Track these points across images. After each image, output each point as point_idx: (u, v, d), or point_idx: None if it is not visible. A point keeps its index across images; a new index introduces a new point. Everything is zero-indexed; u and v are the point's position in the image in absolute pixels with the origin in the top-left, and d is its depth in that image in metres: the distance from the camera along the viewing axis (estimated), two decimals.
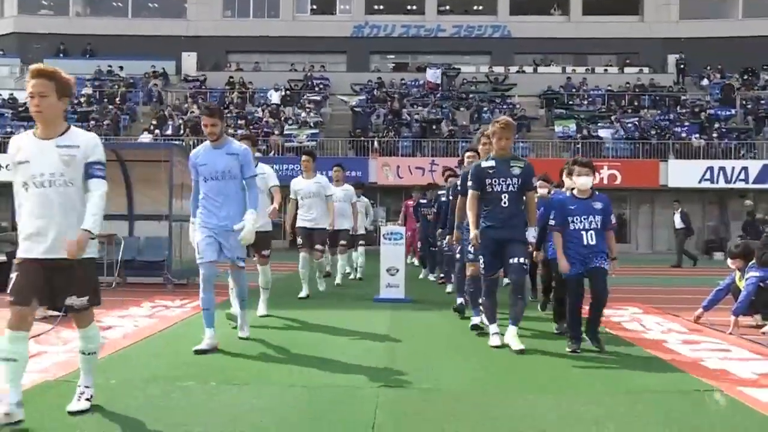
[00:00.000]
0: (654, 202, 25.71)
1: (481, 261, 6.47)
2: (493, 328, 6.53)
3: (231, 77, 32.10)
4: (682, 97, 30.42)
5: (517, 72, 33.10)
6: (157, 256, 11.17)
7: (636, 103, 30.26)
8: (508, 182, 6.29)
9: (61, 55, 34.21)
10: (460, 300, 8.32)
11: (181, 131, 26.68)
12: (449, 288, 10.40)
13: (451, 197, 8.68)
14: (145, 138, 25.63)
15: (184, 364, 5.60)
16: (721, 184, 24.68)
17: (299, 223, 9.77)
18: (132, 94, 31.02)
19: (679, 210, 19.21)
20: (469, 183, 6.54)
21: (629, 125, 27.74)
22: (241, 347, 6.23)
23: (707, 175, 24.76)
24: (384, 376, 5.24)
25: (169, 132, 26.94)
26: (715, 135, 26.56)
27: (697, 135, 26.55)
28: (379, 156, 25.51)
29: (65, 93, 4.04)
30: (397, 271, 9.76)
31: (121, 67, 32.82)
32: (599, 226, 6.25)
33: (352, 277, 12.98)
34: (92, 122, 27.48)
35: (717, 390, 4.95)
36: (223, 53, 34.67)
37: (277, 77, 32.20)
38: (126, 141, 24.59)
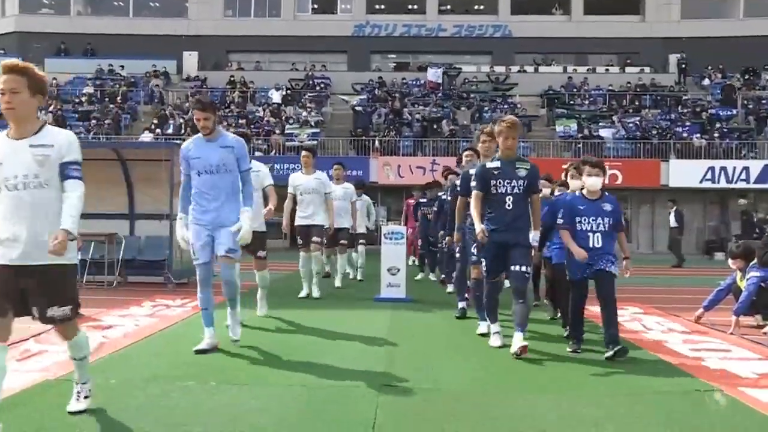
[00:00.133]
0: (655, 202, 25.67)
1: (483, 265, 6.37)
2: (494, 327, 6.47)
3: (232, 76, 32.11)
4: (684, 97, 30.40)
5: (518, 71, 33.08)
6: (157, 255, 11.17)
7: (637, 103, 30.23)
8: (513, 184, 6.13)
9: (62, 54, 34.27)
10: (461, 304, 8.24)
11: (182, 130, 26.67)
12: (450, 288, 10.38)
13: (449, 197, 8.60)
14: (146, 137, 25.63)
15: (185, 363, 5.60)
16: (723, 184, 24.65)
17: (297, 222, 9.61)
18: (133, 93, 31.03)
19: (674, 209, 19.24)
20: (473, 183, 6.38)
21: (630, 125, 27.72)
22: (241, 347, 6.22)
23: (708, 175, 24.73)
24: (384, 376, 5.24)
25: (170, 131, 26.94)
26: (716, 135, 26.53)
27: (699, 135, 26.53)
28: (379, 155, 25.49)
29: (38, 90, 3.87)
30: (398, 270, 9.75)
31: (122, 67, 32.83)
32: (607, 229, 6.11)
33: (351, 277, 12.88)
34: (93, 121, 27.52)
35: (717, 390, 4.94)
36: (224, 52, 34.66)
37: (278, 77, 32.20)
38: (127, 140, 24.59)
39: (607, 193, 6.29)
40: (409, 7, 36.16)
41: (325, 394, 4.73)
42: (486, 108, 28.73)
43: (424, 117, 27.82)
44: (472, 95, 30.71)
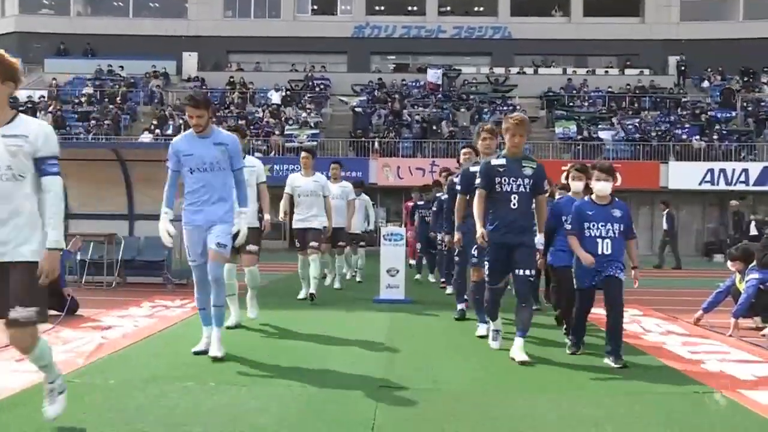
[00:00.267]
0: (654, 203, 25.65)
1: (486, 268, 6.09)
2: (494, 326, 6.33)
3: (231, 77, 32.12)
4: (683, 99, 30.44)
5: (518, 73, 33.12)
6: (157, 256, 11.16)
7: (636, 105, 30.27)
8: (518, 183, 5.89)
9: (62, 54, 34.28)
10: (460, 306, 8.20)
11: (182, 131, 26.66)
12: (449, 290, 10.37)
13: (446, 196, 8.46)
14: (146, 138, 25.65)
15: (184, 364, 5.59)
16: (722, 186, 24.68)
17: (295, 225, 9.47)
18: (132, 93, 31.05)
19: (666, 211, 19.22)
20: (477, 180, 6.09)
21: (630, 127, 27.75)
22: (239, 348, 6.22)
23: (707, 177, 24.77)
24: (384, 376, 5.23)
25: (169, 132, 26.91)
26: (715, 137, 26.57)
27: (698, 137, 26.56)
28: (379, 157, 25.51)
29: (9, 77, 3.64)
30: (397, 272, 9.74)
31: (122, 67, 32.85)
32: (617, 235, 5.90)
33: (348, 277, 12.67)
34: (93, 122, 27.55)
35: (716, 392, 4.94)
36: (223, 53, 34.67)
37: (277, 77, 32.22)
38: (126, 141, 24.61)
39: (617, 199, 6.10)
40: (409, 8, 36.19)
41: (324, 394, 4.72)
42: (485, 109, 28.76)
43: (423, 118, 27.85)
44: (471, 96, 30.75)
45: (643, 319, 8.45)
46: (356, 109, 28.77)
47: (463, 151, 7.86)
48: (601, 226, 5.91)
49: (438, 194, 11.09)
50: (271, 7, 35.27)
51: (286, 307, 8.95)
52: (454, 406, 4.52)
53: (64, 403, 3.84)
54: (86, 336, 6.66)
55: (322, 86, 31.74)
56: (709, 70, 32.44)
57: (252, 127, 27.28)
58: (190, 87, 31.52)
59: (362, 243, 13.15)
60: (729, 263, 8.28)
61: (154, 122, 27.69)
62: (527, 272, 5.89)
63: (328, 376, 5.23)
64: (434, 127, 27.35)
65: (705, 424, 4.29)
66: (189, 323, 7.51)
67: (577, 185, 6.91)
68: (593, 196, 6.10)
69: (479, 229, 5.94)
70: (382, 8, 35.87)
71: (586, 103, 30.45)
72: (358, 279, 12.87)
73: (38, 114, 28.06)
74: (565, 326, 7.05)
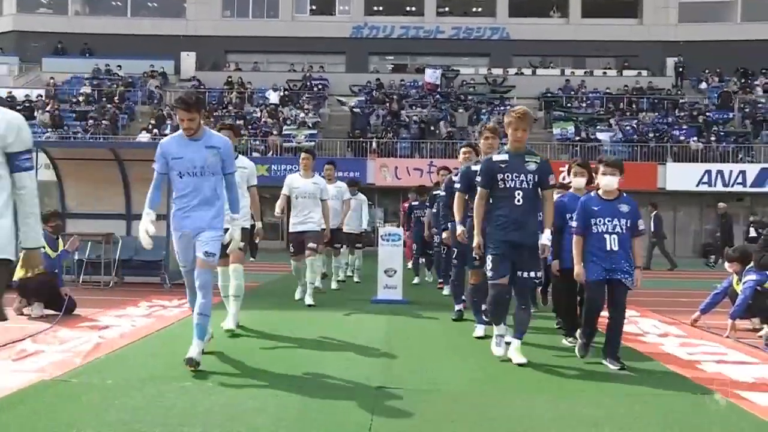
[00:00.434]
0: (658, 206, 25.66)
1: (489, 261, 5.74)
2: (497, 330, 5.92)
3: (230, 77, 32.10)
4: (681, 101, 30.47)
5: (516, 74, 33.15)
6: (154, 255, 11.11)
7: (634, 106, 30.30)
8: (522, 178, 5.66)
9: (60, 54, 34.25)
10: (458, 307, 8.17)
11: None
12: (446, 291, 10.36)
13: (443, 193, 8.34)
14: (144, 137, 25.62)
15: (181, 364, 5.56)
16: (719, 187, 24.71)
17: (291, 229, 9.25)
18: (130, 93, 31.03)
19: (654, 213, 19.13)
20: (478, 179, 5.90)
21: (627, 128, 27.78)
22: (238, 348, 6.22)
23: (705, 179, 24.80)
24: (381, 377, 5.23)
25: (167, 131, 26.84)
26: (713, 138, 26.62)
27: (695, 138, 26.61)
28: (377, 157, 25.51)
29: None
30: (395, 272, 9.74)
31: (120, 67, 32.82)
32: (624, 231, 5.71)
33: (342, 277, 12.39)
34: (91, 121, 27.51)
35: (713, 393, 4.95)
36: (222, 53, 34.66)
37: (275, 77, 32.20)
38: (124, 140, 24.58)
39: (625, 194, 5.90)
40: (407, 8, 36.22)
41: (322, 395, 4.72)
42: (483, 110, 28.78)
43: (421, 119, 27.86)
44: (469, 97, 30.77)
45: (641, 320, 8.46)
46: (354, 110, 28.77)
47: (463, 150, 7.71)
48: (608, 221, 5.73)
49: (435, 193, 10.91)
50: (269, 7, 35.26)
51: (283, 308, 8.95)
52: (452, 407, 4.52)
53: None
54: (83, 335, 6.65)
55: (320, 86, 31.74)
56: (706, 71, 32.50)
57: (250, 127, 27.28)
58: (188, 87, 31.56)
59: (359, 245, 13.04)
60: (726, 264, 8.29)
61: (152, 122, 27.66)
62: (532, 273, 5.74)
63: (325, 376, 5.23)
64: (432, 128, 27.36)
65: (703, 426, 4.30)
66: (186, 323, 7.47)
67: (579, 181, 6.86)
68: (600, 191, 5.93)
69: (476, 238, 5.83)
70: (381, 9, 35.89)
71: (584, 104, 30.48)
72: (356, 279, 12.86)
73: (36, 113, 28.04)
74: (564, 327, 7.04)
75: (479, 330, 6.96)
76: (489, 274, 5.76)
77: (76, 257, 10.71)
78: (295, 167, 9.77)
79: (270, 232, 17.23)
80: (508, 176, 5.68)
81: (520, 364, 5.65)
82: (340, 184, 11.33)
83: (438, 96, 30.73)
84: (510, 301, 5.85)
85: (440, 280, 11.47)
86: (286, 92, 31.08)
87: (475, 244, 5.86)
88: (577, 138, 26.88)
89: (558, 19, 35.58)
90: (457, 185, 7.01)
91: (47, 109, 28.38)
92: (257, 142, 26.35)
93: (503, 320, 5.91)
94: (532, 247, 5.70)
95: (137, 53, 32.58)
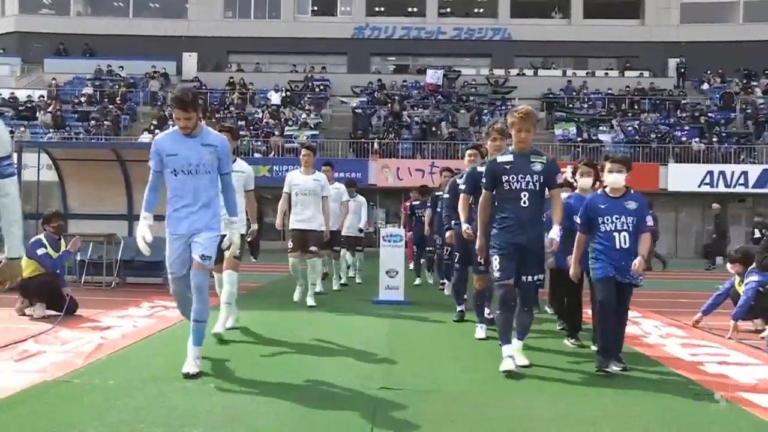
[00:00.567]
0: (653, 206, 25.67)
1: (496, 262, 5.55)
2: (506, 350, 5.53)
3: (231, 78, 32.13)
4: (683, 101, 30.47)
5: (518, 75, 33.16)
6: (156, 256, 11.06)
7: (636, 107, 30.30)
8: (527, 179, 5.50)
9: (62, 54, 34.30)
10: (459, 308, 8.16)
11: None
12: (447, 291, 10.36)
13: (446, 195, 8.23)
14: (146, 138, 25.60)
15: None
16: (721, 188, 24.71)
17: (292, 225, 9.06)
18: (132, 94, 31.06)
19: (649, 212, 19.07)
20: (483, 181, 5.77)
21: (629, 129, 27.78)
22: (239, 349, 6.22)
23: (707, 180, 24.80)
24: (382, 377, 5.23)
25: None
26: (715, 139, 26.60)
27: (697, 139, 26.60)
28: (379, 158, 25.53)
29: None
30: (397, 273, 9.74)
31: (122, 67, 32.87)
32: (631, 228, 5.61)
33: (343, 279, 12.22)
34: (92, 122, 27.54)
35: (715, 394, 4.94)
36: (223, 54, 34.69)
37: (277, 78, 32.24)
38: (126, 141, 24.61)
39: (632, 191, 5.82)
40: (409, 9, 36.23)
41: (323, 396, 4.72)
42: (485, 111, 28.79)
43: (423, 119, 27.88)
44: (471, 98, 30.78)
45: (643, 321, 8.45)
46: (356, 110, 28.81)
47: (468, 152, 7.58)
48: (616, 218, 5.62)
49: (438, 194, 10.85)
50: (271, 8, 35.29)
51: (284, 308, 8.95)
52: (452, 407, 4.52)
53: None
54: (85, 336, 6.66)
55: (321, 87, 31.77)
56: (708, 72, 32.49)
57: (252, 128, 27.30)
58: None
59: (359, 247, 12.92)
60: (728, 265, 8.29)
61: (154, 122, 27.69)
62: (535, 278, 5.63)
63: (326, 377, 5.22)
64: (434, 129, 27.39)
65: (702, 425, 4.29)
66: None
67: (585, 181, 6.83)
68: (606, 189, 5.86)
69: (478, 241, 5.76)
70: (382, 9, 35.91)
71: (586, 105, 30.48)
72: (357, 280, 12.84)
73: (38, 114, 28.09)
74: (566, 328, 7.04)
75: (480, 331, 6.96)
76: (496, 274, 5.59)
77: (78, 258, 10.71)
78: (296, 167, 9.63)
79: (270, 232, 17.18)
80: (513, 178, 5.53)
81: (521, 366, 5.62)
82: (338, 186, 11.19)
83: (440, 97, 30.74)
84: (515, 307, 5.70)
85: (441, 281, 11.45)
86: (287, 93, 31.10)
87: (477, 247, 5.82)
88: (578, 139, 26.89)
89: (560, 19, 35.58)
90: (463, 186, 6.94)
91: (49, 109, 28.41)
92: (259, 143, 26.37)
93: (511, 333, 5.64)
94: (536, 251, 5.60)
95: (139, 54, 32.62)
